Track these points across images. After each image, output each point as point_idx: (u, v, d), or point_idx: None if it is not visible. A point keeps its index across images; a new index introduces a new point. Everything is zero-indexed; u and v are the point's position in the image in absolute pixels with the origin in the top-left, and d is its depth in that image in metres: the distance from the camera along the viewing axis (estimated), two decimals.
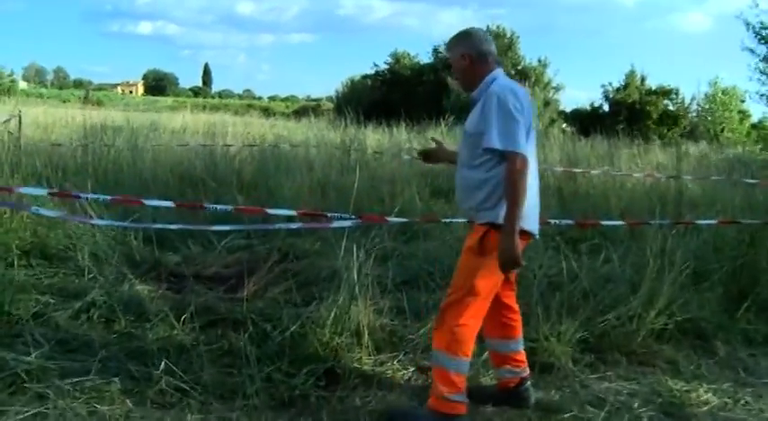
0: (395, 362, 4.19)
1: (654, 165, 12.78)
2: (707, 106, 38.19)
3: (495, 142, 3.28)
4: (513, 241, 3.20)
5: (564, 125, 33.98)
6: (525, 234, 3.40)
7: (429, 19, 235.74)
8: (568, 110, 39.04)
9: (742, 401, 4.05)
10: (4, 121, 9.75)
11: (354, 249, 4.54)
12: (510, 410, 3.74)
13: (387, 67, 40.36)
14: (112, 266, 5.47)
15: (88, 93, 63.19)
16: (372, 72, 40.60)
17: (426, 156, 4.17)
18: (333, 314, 4.22)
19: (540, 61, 38.22)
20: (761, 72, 22.21)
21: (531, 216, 3.44)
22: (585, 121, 32.43)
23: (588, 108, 38.26)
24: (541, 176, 4.88)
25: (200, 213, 7.08)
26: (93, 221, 5.40)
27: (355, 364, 4.07)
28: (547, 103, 35.09)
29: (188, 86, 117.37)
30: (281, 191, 8.44)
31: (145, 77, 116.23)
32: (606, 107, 37.99)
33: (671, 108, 37.54)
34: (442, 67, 36.12)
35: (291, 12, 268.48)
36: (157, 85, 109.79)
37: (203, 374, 3.71)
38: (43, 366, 3.69)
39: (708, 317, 5.09)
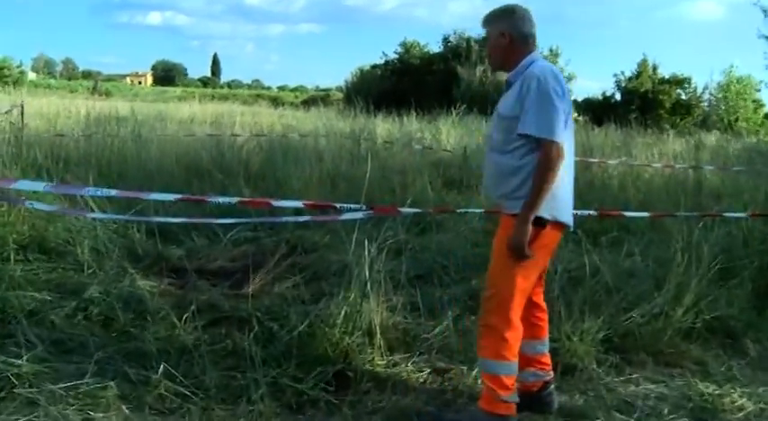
0: (409, 364, 3.95)
1: (670, 155, 12.48)
2: (720, 95, 37.68)
3: (531, 128, 3.06)
4: (525, 230, 3.06)
5: (576, 114, 33.61)
6: (560, 225, 3.23)
7: (439, 9, 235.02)
8: (580, 99, 38.64)
9: None
10: (6, 112, 9.56)
11: (366, 242, 4.29)
12: (532, 416, 3.51)
13: (396, 56, 39.95)
14: (113, 261, 5.25)
15: (97, 83, 63.01)
16: (382, 62, 40.22)
17: None
18: (343, 312, 3.98)
19: (551, 51, 37.71)
20: None
21: (565, 207, 3.24)
22: (598, 111, 32.09)
23: (600, 97, 37.81)
24: None
25: (205, 205, 6.86)
26: (91, 215, 5.17)
27: (367, 366, 3.84)
28: None
29: (197, 77, 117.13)
30: (289, 182, 8.22)
31: (154, 68, 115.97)
32: (618, 96, 37.54)
33: (683, 97, 37.07)
34: (452, 57, 35.77)
35: (300, 2, 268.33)
36: (166, 75, 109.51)
37: (205, 377, 3.48)
38: (36, 369, 3.46)
39: (737, 315, 4.84)
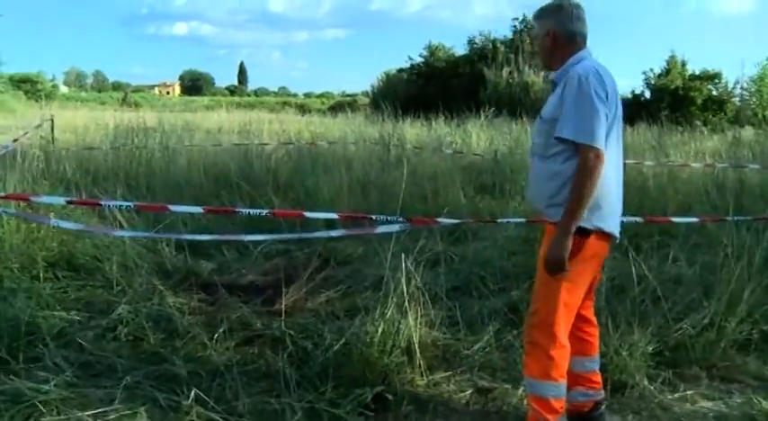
0: (450, 383, 3.77)
1: (708, 153, 12.13)
2: (753, 89, 36.88)
3: (568, 131, 2.87)
4: (563, 241, 2.88)
5: None
6: (606, 236, 3.02)
7: (463, 11, 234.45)
8: None
9: None
10: (36, 126, 9.55)
11: (402, 254, 4.10)
12: None
13: (422, 59, 39.70)
14: (142, 277, 5.13)
15: (126, 95, 63.58)
16: (408, 65, 39.99)
17: None
18: (380, 330, 3.80)
19: None
20: None
21: (611, 217, 3.04)
22: (628, 109, 31.43)
23: (630, 96, 37.25)
24: None
25: (235, 217, 6.74)
26: (117, 233, 5.04)
27: (407, 386, 3.66)
28: None
29: (224, 85, 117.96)
30: (319, 191, 8.05)
31: (181, 78, 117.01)
32: (648, 94, 36.95)
33: (715, 93, 36.37)
34: (477, 59, 35.48)
35: (324, 8, 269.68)
36: (194, 85, 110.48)
37: (238, 403, 3.32)
38: (64, 395, 3.33)
39: None
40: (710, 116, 33.49)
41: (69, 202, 4.56)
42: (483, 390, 3.71)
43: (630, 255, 4.76)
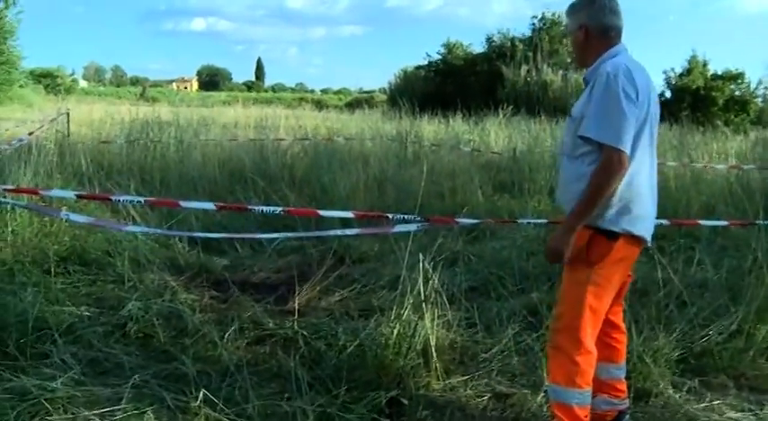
0: (467, 388, 3.64)
1: (729, 155, 11.90)
2: None
3: (592, 131, 2.73)
4: (566, 237, 2.80)
5: None
6: (636, 240, 2.88)
7: (481, 8, 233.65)
8: None
9: None
10: (51, 120, 9.51)
11: (419, 253, 3.97)
12: None
13: (440, 57, 39.50)
14: (154, 273, 5.04)
15: (144, 90, 63.92)
16: (425, 62, 39.80)
17: None
18: (396, 331, 3.68)
19: None
20: None
21: (642, 220, 2.88)
22: None
23: None
24: None
25: (249, 213, 6.64)
26: (128, 228, 4.95)
27: (422, 391, 3.53)
28: None
29: (241, 81, 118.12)
30: (335, 187, 7.94)
31: (199, 73, 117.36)
32: (669, 94, 36.57)
33: (737, 93, 35.92)
34: (495, 57, 35.25)
35: (341, 4, 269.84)
36: (211, 80, 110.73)
37: (248, 406, 3.21)
38: (70, 394, 3.24)
39: None
40: (732, 116, 33.08)
41: (80, 196, 4.48)
42: (501, 396, 3.58)
43: (656, 258, 4.61)
